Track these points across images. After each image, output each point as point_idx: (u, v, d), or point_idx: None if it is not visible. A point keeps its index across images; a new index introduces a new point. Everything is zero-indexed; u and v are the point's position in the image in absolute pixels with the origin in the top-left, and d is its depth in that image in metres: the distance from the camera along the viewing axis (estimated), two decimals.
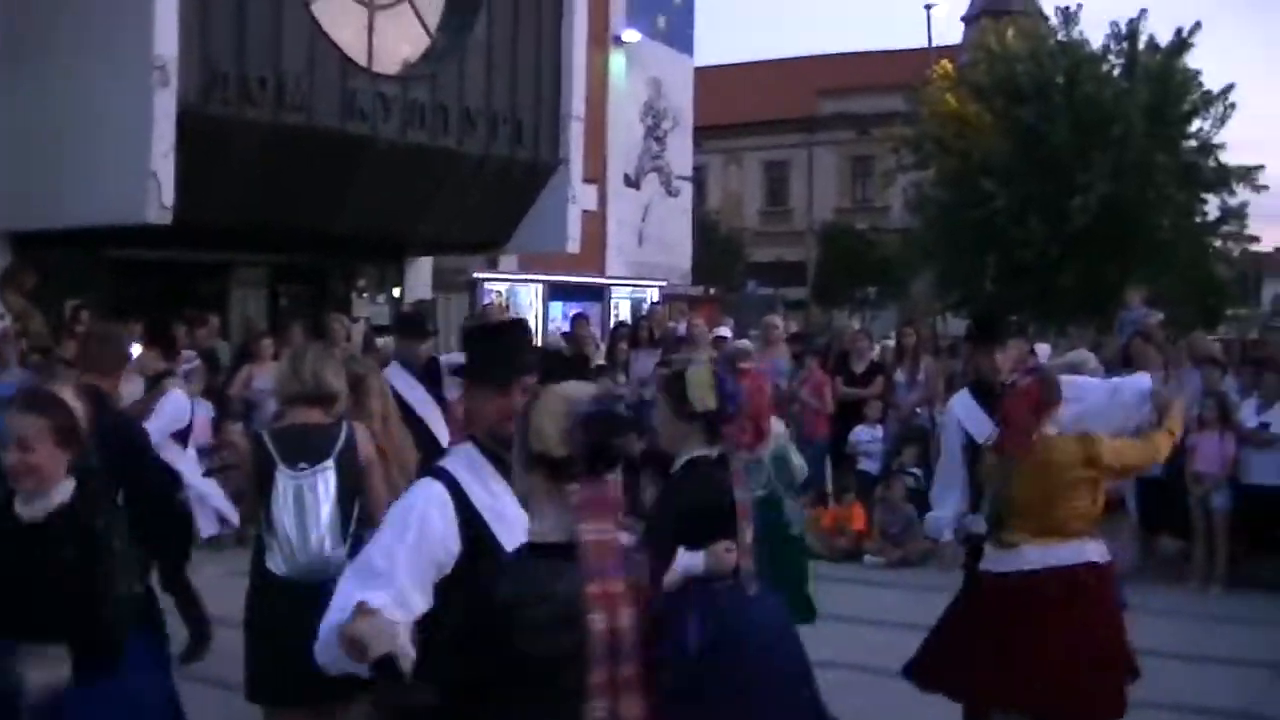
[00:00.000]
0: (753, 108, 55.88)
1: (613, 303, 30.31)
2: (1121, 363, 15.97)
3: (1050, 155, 32.01)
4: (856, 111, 54.61)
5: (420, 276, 25.30)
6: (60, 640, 4.60)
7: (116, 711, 4.74)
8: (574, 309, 23.93)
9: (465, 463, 4.41)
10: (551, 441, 3.62)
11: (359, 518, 6.28)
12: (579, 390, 3.79)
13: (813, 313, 49.61)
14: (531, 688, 3.59)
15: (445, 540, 4.17)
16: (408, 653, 3.70)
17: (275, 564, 6.11)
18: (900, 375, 17.19)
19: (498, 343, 4.89)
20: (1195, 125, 33.85)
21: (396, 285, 25.10)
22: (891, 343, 19.94)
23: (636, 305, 29.83)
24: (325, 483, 6.13)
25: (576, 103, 23.16)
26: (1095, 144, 31.37)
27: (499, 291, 26.76)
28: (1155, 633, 6.76)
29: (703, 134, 41.12)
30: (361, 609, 3.73)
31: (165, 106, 16.90)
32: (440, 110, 20.77)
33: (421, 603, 4.06)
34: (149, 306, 15.51)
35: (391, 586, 4.00)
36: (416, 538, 4.13)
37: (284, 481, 6.10)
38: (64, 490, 4.74)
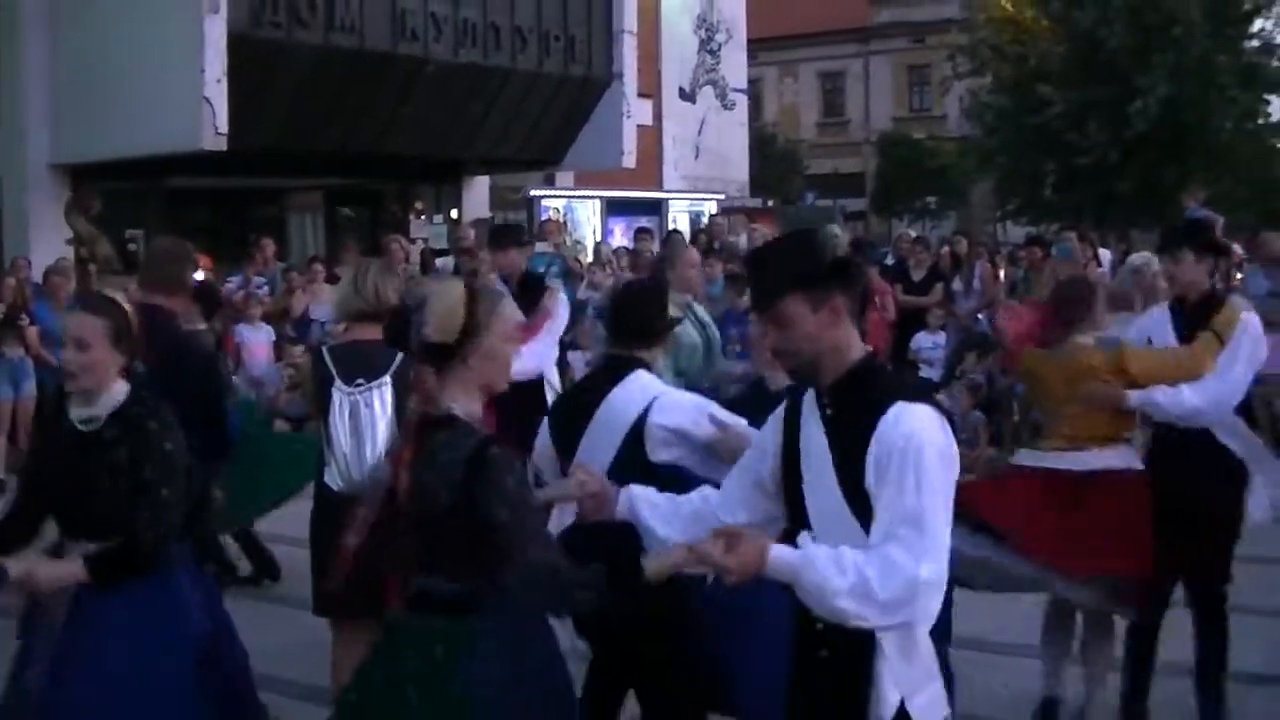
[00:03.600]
0: (806, 18, 55.23)
1: (670, 216, 30.28)
2: None
3: (1108, 59, 31.56)
4: (911, 19, 54.05)
5: (477, 196, 25.30)
6: (109, 539, 4.65)
7: (144, 612, 4.71)
8: (631, 223, 23.89)
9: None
10: None
11: None
12: None
13: (871, 223, 49.32)
14: None
15: None
16: None
17: (333, 479, 6.10)
18: (957, 283, 17.12)
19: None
20: (1258, 25, 33.35)
21: (454, 206, 25.11)
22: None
23: (695, 218, 29.78)
24: (381, 399, 6.09)
25: (628, 17, 23.04)
26: (1155, 46, 30.90)
27: (556, 209, 26.75)
28: None
29: (757, 46, 40.79)
30: None
31: (216, 32, 16.91)
32: (492, 29, 20.72)
33: None
34: (208, 234, 15.61)
35: None
36: None
37: (340, 397, 6.09)
38: (118, 393, 4.80)
